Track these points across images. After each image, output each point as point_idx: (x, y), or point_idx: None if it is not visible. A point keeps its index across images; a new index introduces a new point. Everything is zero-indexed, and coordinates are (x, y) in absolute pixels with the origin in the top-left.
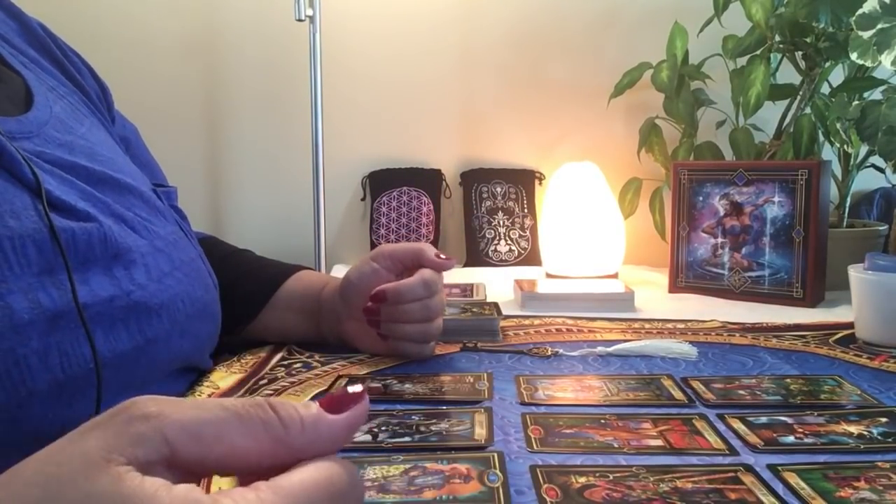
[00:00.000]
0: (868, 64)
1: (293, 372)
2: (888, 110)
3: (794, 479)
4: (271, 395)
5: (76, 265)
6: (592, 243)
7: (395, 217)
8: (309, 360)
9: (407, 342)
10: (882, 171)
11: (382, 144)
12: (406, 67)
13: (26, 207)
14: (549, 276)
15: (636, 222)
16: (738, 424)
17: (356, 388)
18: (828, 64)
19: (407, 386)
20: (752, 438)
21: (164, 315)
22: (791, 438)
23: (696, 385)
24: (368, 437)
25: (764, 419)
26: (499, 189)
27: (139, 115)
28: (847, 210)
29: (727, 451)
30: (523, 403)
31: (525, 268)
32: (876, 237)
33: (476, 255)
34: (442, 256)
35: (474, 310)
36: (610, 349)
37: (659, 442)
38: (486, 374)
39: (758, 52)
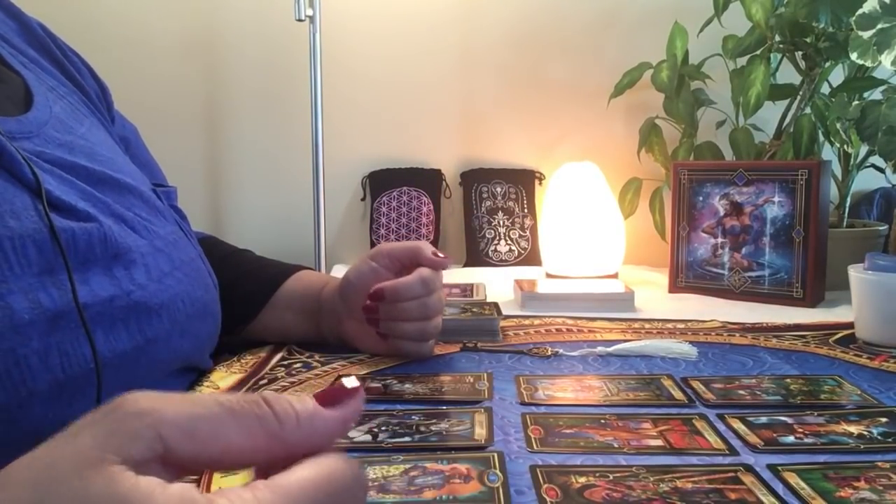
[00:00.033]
0: (868, 64)
1: (293, 372)
2: (888, 110)
3: (794, 479)
4: None
5: (76, 265)
6: (592, 243)
7: (395, 217)
8: (309, 360)
9: (406, 340)
10: (882, 171)
11: (382, 144)
12: (406, 67)
13: (26, 207)
14: (549, 276)
15: (636, 222)
16: (738, 424)
17: (352, 383)
18: (828, 64)
19: (407, 386)
20: (752, 438)
21: (164, 315)
22: (791, 438)
23: (696, 385)
24: (368, 437)
25: (764, 419)
26: (499, 189)
27: (139, 115)
28: (847, 210)
29: (727, 451)
30: (523, 403)
31: (525, 268)
32: (876, 237)
33: (476, 255)
34: (440, 255)
35: (474, 310)
36: (610, 349)
37: (659, 442)
38: (486, 374)
39: (758, 52)
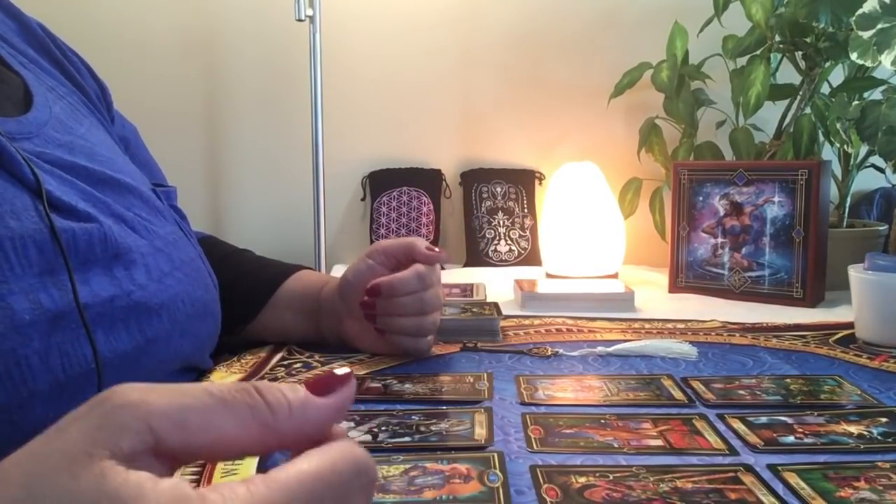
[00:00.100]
0: (868, 64)
1: (293, 372)
2: (888, 110)
3: (794, 479)
4: None
5: (77, 265)
6: (592, 243)
7: (395, 217)
8: (309, 360)
9: (403, 336)
10: (882, 171)
11: (382, 144)
12: (406, 67)
13: (27, 208)
14: (549, 276)
15: (636, 222)
16: (738, 424)
17: (342, 371)
18: (828, 64)
19: (407, 386)
20: (752, 438)
21: (164, 315)
22: (791, 438)
23: (696, 385)
24: (368, 437)
25: (764, 419)
26: (499, 189)
27: (139, 115)
28: (847, 210)
29: (727, 451)
30: (523, 403)
31: (525, 268)
32: (876, 237)
33: (476, 255)
34: (434, 250)
35: (474, 310)
36: (610, 349)
37: (659, 442)
38: (486, 374)
39: (758, 52)
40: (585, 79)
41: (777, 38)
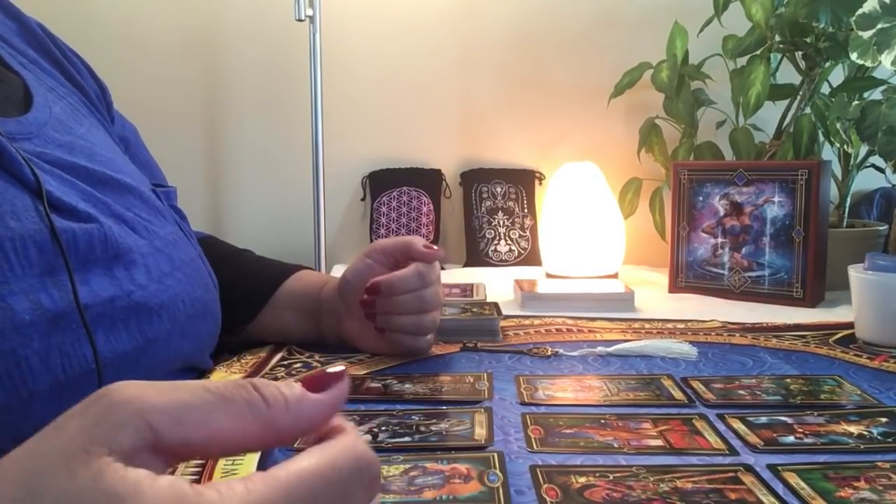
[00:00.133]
0: (868, 64)
1: (293, 372)
2: (888, 110)
3: (794, 479)
4: None
5: (77, 266)
6: (592, 243)
7: (395, 217)
8: (309, 360)
9: (403, 335)
10: (882, 171)
11: (382, 144)
12: (406, 67)
13: (27, 208)
14: (549, 276)
15: (636, 222)
16: (738, 424)
17: (336, 369)
18: (828, 64)
19: (407, 386)
20: (752, 438)
21: (164, 315)
22: (791, 438)
23: (696, 385)
24: (368, 437)
25: (764, 419)
26: (499, 189)
27: (139, 115)
28: (847, 210)
29: (727, 451)
30: (523, 403)
31: (525, 268)
32: (876, 237)
33: (476, 255)
34: (433, 248)
35: (474, 310)
36: (610, 349)
37: (659, 442)
38: (486, 374)
39: (758, 52)
40: (585, 79)
41: (777, 38)
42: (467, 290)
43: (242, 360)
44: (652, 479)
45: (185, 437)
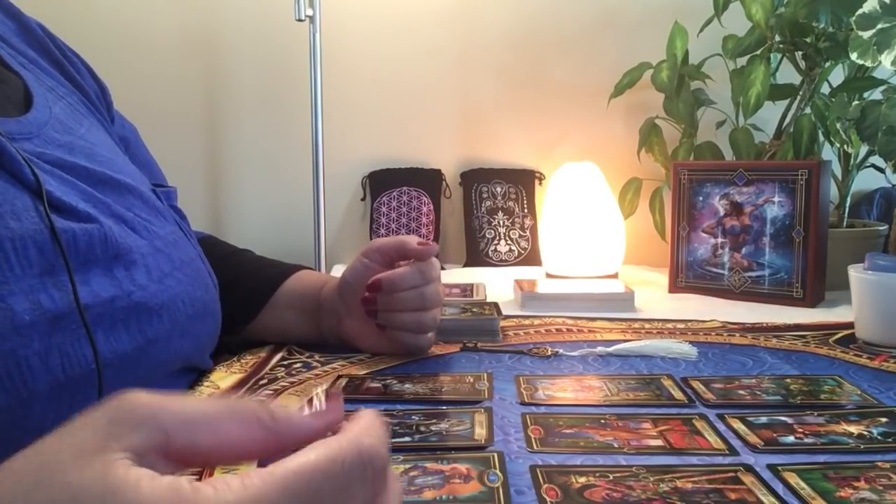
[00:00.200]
0: (868, 64)
1: (293, 372)
2: (888, 110)
3: (794, 479)
4: (271, 395)
5: (77, 266)
6: (592, 243)
7: (395, 217)
8: (309, 360)
9: (404, 332)
10: (882, 171)
11: (382, 144)
12: (406, 67)
13: (27, 208)
14: (549, 276)
15: (636, 222)
16: (738, 424)
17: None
18: (828, 64)
19: (407, 386)
20: (752, 438)
21: (164, 315)
22: (791, 438)
23: (696, 385)
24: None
25: (764, 419)
26: (499, 189)
27: (139, 115)
28: (847, 210)
29: (727, 451)
30: (523, 403)
31: (525, 268)
32: (876, 237)
33: (476, 255)
34: (428, 243)
35: (474, 310)
36: (610, 349)
37: (659, 442)
38: (486, 374)
39: (758, 52)
40: (585, 79)
41: (777, 38)
42: (467, 290)
43: (242, 360)
44: (652, 479)
45: (194, 442)
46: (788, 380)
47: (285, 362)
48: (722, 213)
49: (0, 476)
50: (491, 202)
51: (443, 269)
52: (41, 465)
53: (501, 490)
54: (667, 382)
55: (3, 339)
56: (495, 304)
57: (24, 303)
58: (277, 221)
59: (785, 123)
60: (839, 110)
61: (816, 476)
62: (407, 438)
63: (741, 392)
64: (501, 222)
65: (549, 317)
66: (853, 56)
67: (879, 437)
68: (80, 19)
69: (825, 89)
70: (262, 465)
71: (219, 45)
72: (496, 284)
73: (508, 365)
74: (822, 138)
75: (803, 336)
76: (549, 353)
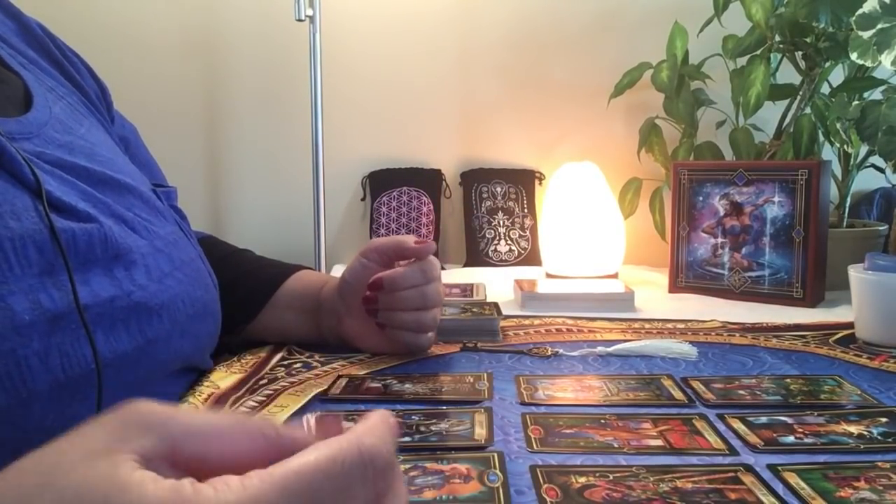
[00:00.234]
0: (868, 64)
1: (293, 372)
2: (888, 110)
3: (794, 479)
4: (271, 395)
5: (77, 266)
6: (592, 243)
7: (395, 217)
8: (309, 360)
9: (404, 332)
10: (882, 171)
11: (382, 144)
12: (406, 67)
13: (27, 208)
14: (549, 276)
15: (636, 222)
16: (738, 424)
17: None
18: (828, 64)
19: (407, 386)
20: (752, 438)
21: (164, 315)
22: (791, 438)
23: (696, 385)
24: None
25: (764, 419)
26: (499, 189)
27: (139, 115)
28: (847, 210)
29: (727, 451)
30: (523, 403)
31: (525, 268)
32: (876, 237)
33: (476, 255)
34: (425, 241)
35: (474, 310)
36: (610, 349)
37: (659, 442)
38: (486, 374)
39: (758, 52)
40: (585, 79)
41: (777, 38)
42: (467, 290)
43: (242, 360)
44: (652, 479)
45: (201, 453)
46: (788, 380)
47: (285, 362)
48: (722, 213)
49: (10, 473)
50: (491, 202)
51: (443, 269)
52: (50, 464)
53: (501, 490)
54: (667, 382)
55: (2, 338)
56: (495, 304)
57: (23, 302)
58: (277, 221)
59: (785, 123)
60: (839, 110)
61: (816, 476)
62: (407, 438)
63: (741, 392)
64: (501, 222)
65: (549, 317)
66: (853, 56)
67: (879, 437)
68: (80, 19)
69: (825, 89)
70: None
71: (219, 45)
72: (496, 284)
73: (508, 365)
74: (822, 138)
75: (803, 336)
76: (549, 353)
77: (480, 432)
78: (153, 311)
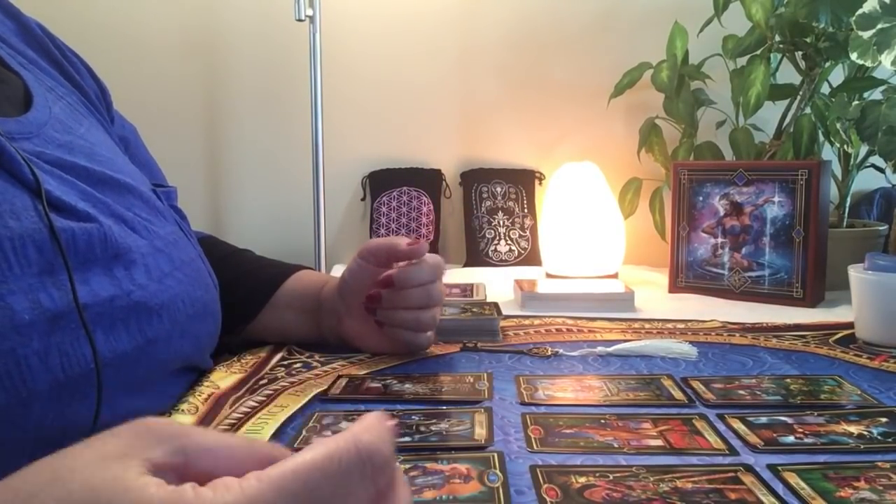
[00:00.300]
0: (868, 64)
1: (293, 372)
2: (888, 110)
3: (794, 479)
4: (271, 395)
5: (76, 265)
6: (592, 243)
7: (395, 217)
8: (309, 360)
9: (403, 330)
10: (882, 171)
11: (382, 144)
12: (406, 67)
13: (26, 208)
14: (549, 276)
15: (636, 222)
16: (738, 424)
17: None
18: (828, 64)
19: (407, 386)
20: (752, 438)
21: (164, 315)
22: (791, 438)
23: (696, 385)
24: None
25: (764, 419)
26: (499, 189)
27: (139, 115)
28: (847, 210)
29: (727, 451)
30: (523, 403)
31: (525, 268)
32: (876, 237)
33: (476, 255)
34: (417, 241)
35: (474, 310)
36: (610, 349)
37: (659, 442)
38: (486, 374)
39: (758, 52)
40: (585, 79)
41: (777, 38)
42: (467, 290)
43: (242, 360)
44: (652, 479)
45: (210, 470)
46: (788, 380)
47: (285, 362)
48: (722, 213)
49: (25, 470)
50: (491, 202)
51: None
52: (64, 464)
53: (501, 490)
54: (667, 382)
55: (2, 338)
56: (495, 304)
57: (23, 302)
58: (277, 221)
59: (785, 123)
60: (839, 110)
61: (816, 476)
62: (407, 438)
63: (741, 392)
64: (501, 222)
65: (549, 317)
66: (853, 56)
67: (879, 437)
68: (80, 19)
69: (825, 89)
70: None
71: (219, 45)
72: (496, 284)
73: (508, 365)
74: (822, 138)
75: (803, 336)
76: (549, 353)
77: (480, 432)
78: (153, 310)
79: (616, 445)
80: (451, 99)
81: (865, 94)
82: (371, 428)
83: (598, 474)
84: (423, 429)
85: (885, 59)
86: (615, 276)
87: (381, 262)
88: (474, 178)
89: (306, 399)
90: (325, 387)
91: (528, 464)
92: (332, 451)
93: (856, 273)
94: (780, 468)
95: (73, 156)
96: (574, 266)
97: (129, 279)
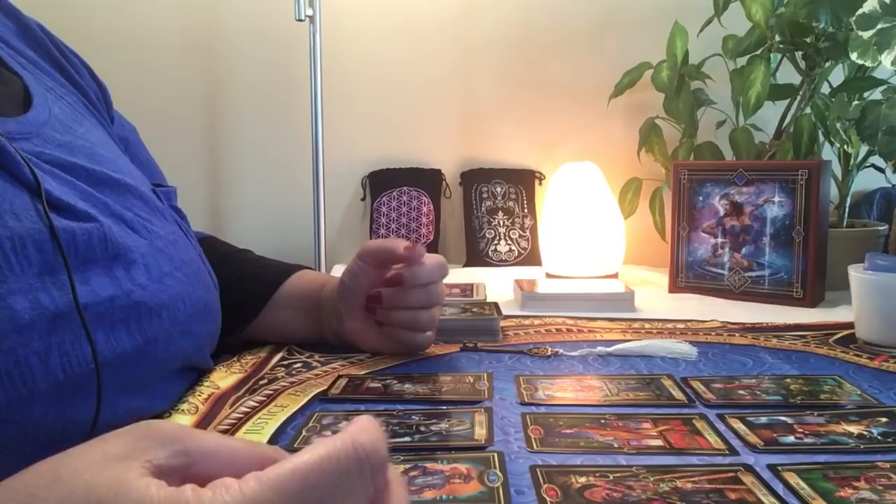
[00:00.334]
0: (868, 64)
1: (293, 372)
2: (888, 110)
3: (794, 479)
4: (271, 395)
5: (76, 265)
6: (592, 243)
7: (395, 217)
8: (309, 360)
9: (402, 329)
10: (882, 171)
11: (382, 144)
12: (406, 67)
13: (26, 208)
14: (549, 276)
15: (636, 222)
16: (738, 424)
17: None
18: (828, 64)
19: (407, 386)
20: (752, 438)
21: (164, 315)
22: (791, 438)
23: (696, 385)
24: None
25: (764, 419)
26: (499, 189)
27: (139, 115)
28: (847, 210)
29: (727, 451)
30: (523, 403)
31: (525, 268)
32: (876, 237)
33: (476, 255)
34: (414, 245)
35: (474, 310)
36: (610, 349)
37: (659, 442)
38: (486, 374)
39: (758, 52)
40: (585, 79)
41: (777, 38)
42: (467, 290)
43: (242, 360)
44: (652, 479)
45: (213, 473)
46: (788, 380)
47: (285, 362)
48: (722, 213)
49: (29, 469)
50: (491, 202)
51: None
52: (67, 463)
53: (501, 490)
54: (667, 382)
55: (2, 338)
56: (495, 304)
57: (23, 302)
58: (277, 221)
59: (785, 123)
60: (839, 110)
61: (816, 476)
62: (407, 438)
63: (741, 392)
64: (501, 222)
65: (549, 317)
66: (853, 56)
67: (879, 437)
68: (80, 19)
69: (825, 89)
70: None
71: (219, 45)
72: (496, 284)
73: (508, 365)
74: (822, 138)
75: (803, 336)
76: (549, 353)
77: (480, 432)
78: (153, 310)
79: (616, 445)
80: (451, 99)
81: (865, 94)
82: (366, 429)
83: (598, 474)
84: (423, 429)
85: (885, 59)
86: (615, 276)
87: (379, 263)
88: (474, 178)
89: (306, 399)
90: (325, 387)
91: (528, 464)
92: (330, 451)
93: (856, 273)
94: (780, 468)
95: (73, 156)
96: (574, 266)
97: (129, 279)
